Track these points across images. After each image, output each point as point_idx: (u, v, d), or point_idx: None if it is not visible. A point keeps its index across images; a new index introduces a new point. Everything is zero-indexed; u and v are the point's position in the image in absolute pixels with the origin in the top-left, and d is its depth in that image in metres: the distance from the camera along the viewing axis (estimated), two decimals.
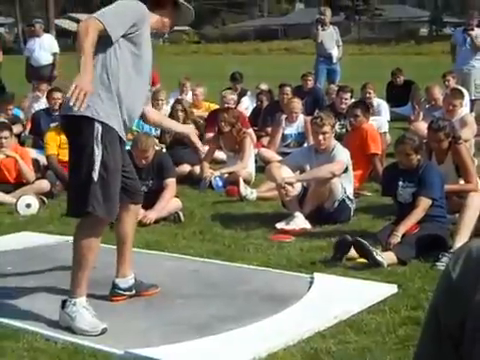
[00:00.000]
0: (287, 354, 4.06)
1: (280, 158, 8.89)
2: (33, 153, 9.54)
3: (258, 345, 4.13)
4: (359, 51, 49.12)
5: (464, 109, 10.47)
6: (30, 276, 5.48)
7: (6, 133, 8.46)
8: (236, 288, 5.24)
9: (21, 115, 12.18)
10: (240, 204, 8.06)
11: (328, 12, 15.51)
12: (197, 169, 9.32)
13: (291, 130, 10.37)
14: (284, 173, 7.19)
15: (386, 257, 5.62)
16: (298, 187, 7.20)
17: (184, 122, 9.79)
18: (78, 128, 4.39)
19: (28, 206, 7.79)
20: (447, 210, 6.30)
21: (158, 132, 10.78)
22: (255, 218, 7.36)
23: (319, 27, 15.16)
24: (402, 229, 5.92)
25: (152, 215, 7.07)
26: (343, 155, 7.21)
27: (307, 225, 6.93)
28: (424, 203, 6.08)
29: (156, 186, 7.31)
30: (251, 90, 14.40)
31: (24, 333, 4.37)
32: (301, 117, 10.41)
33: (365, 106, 9.05)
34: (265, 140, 11.04)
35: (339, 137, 8.60)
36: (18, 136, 10.39)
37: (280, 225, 6.90)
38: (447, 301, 1.68)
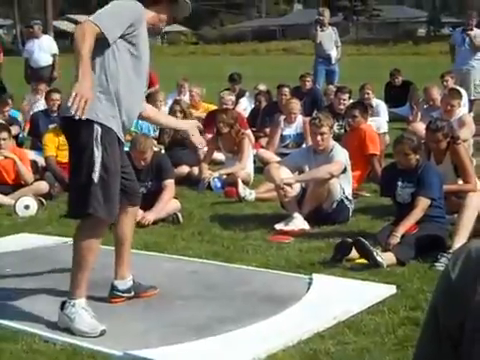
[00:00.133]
0: (286, 355, 4.06)
1: (279, 159, 8.89)
2: (31, 154, 9.54)
3: (257, 346, 4.13)
4: (357, 52, 49.17)
5: (462, 109, 10.48)
6: (29, 278, 5.48)
7: (4, 134, 8.46)
8: (235, 289, 5.24)
9: (20, 117, 12.18)
10: (239, 205, 8.05)
11: (327, 13, 15.51)
12: (196, 170, 9.32)
13: (290, 131, 10.37)
14: (283, 174, 7.19)
15: (385, 258, 5.63)
16: (297, 188, 7.20)
17: None
18: (77, 130, 4.40)
19: (27, 207, 7.78)
20: (446, 210, 6.30)
21: (156, 133, 10.79)
22: (254, 219, 7.36)
23: (318, 28, 15.16)
24: (401, 229, 5.92)
25: (151, 216, 7.07)
26: (342, 156, 7.21)
27: (306, 226, 6.93)
28: (423, 203, 6.08)
29: (155, 187, 7.31)
30: (249, 91, 14.40)
31: (23, 335, 4.36)
32: (299, 118, 10.41)
33: (363, 107, 9.05)
34: (263, 141, 11.04)
35: (337, 138, 8.60)
36: (15, 138, 10.38)
37: (279, 226, 6.89)
38: (446, 302, 1.68)
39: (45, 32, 18.53)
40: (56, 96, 10.38)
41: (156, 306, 4.91)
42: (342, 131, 10.15)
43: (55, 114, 10.12)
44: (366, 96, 11.54)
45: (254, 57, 50.87)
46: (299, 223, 6.92)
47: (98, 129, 4.37)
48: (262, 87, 14.06)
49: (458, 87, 11.77)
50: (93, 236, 4.46)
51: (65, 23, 70.12)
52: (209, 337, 4.27)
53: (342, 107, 10.52)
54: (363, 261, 5.67)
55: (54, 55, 15.14)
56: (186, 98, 13.10)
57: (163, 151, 9.61)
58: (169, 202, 7.34)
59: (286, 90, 12.00)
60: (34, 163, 9.18)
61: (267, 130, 11.27)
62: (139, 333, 4.42)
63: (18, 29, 61.29)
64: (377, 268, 5.54)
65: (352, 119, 8.80)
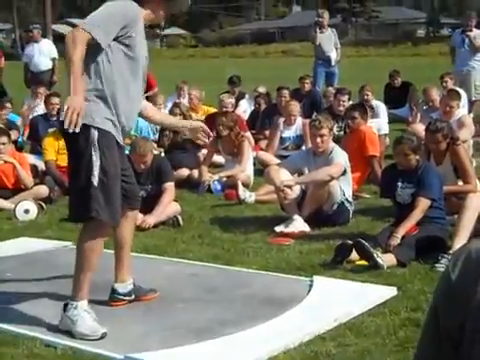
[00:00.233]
0: (287, 357, 4.06)
1: (278, 161, 8.88)
2: (31, 159, 9.54)
3: (258, 349, 4.13)
4: (356, 53, 49.22)
5: (461, 110, 10.48)
6: (29, 282, 5.47)
7: (4, 139, 8.45)
8: (235, 292, 5.23)
9: (19, 121, 12.17)
10: (239, 207, 8.05)
11: (326, 15, 15.51)
12: (196, 173, 9.31)
13: (289, 133, 10.37)
14: (283, 176, 7.19)
15: (386, 259, 5.62)
16: (297, 190, 7.19)
17: None
18: (75, 135, 4.39)
19: (26, 212, 7.78)
20: (446, 211, 6.29)
21: (156, 136, 10.79)
22: (254, 221, 7.35)
23: (317, 30, 15.16)
24: (402, 231, 5.91)
25: (151, 220, 7.06)
26: (341, 157, 7.21)
27: (306, 228, 6.92)
28: (423, 204, 6.07)
29: (155, 190, 7.30)
30: (249, 93, 14.41)
31: (23, 339, 4.36)
32: (299, 120, 10.41)
33: (363, 108, 9.04)
34: (263, 143, 11.04)
35: (337, 139, 8.59)
36: (14, 142, 10.38)
37: (279, 228, 6.89)
38: (447, 302, 1.68)
39: (44, 36, 18.49)
40: (55, 100, 10.37)
41: (156, 309, 4.90)
42: (342, 133, 10.14)
43: (54, 118, 10.12)
44: (366, 97, 11.54)
45: (253, 59, 50.91)
46: (299, 225, 6.91)
47: (95, 133, 4.38)
48: (261, 89, 14.07)
49: (457, 88, 11.77)
50: (96, 239, 4.47)
51: (64, 27, 70.02)
52: (209, 340, 4.26)
53: (341, 109, 10.52)
54: (363, 263, 5.67)
55: (54, 59, 15.12)
56: (185, 101, 13.10)
57: (163, 154, 9.61)
58: (169, 205, 7.33)
59: (285, 92, 12.00)
60: (34, 167, 9.18)
61: (267, 132, 11.28)
62: (139, 336, 4.42)
63: (17, 33, 61.31)
64: (377, 270, 5.53)
65: (352, 121, 8.80)
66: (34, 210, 7.83)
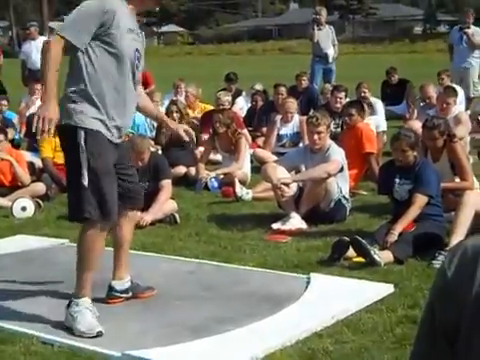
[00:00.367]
0: (284, 355, 4.06)
1: (275, 158, 8.89)
2: (28, 156, 9.53)
3: (255, 346, 4.13)
4: (353, 50, 49.23)
5: (458, 107, 10.48)
6: (26, 279, 5.46)
7: (0, 137, 8.45)
8: (233, 289, 5.23)
9: (15, 119, 12.15)
10: (236, 205, 8.05)
11: (324, 12, 15.51)
12: (193, 170, 9.31)
13: (286, 130, 10.37)
14: (280, 173, 7.19)
15: (383, 256, 5.62)
16: (294, 187, 7.19)
17: (179, 123, 9.77)
18: (64, 136, 4.53)
19: (23, 209, 7.77)
20: (443, 208, 6.29)
21: (153, 134, 10.78)
22: (251, 219, 7.35)
23: (315, 27, 15.16)
24: (399, 227, 5.92)
25: (148, 217, 7.06)
26: (338, 155, 7.20)
27: (303, 225, 6.92)
28: (420, 200, 6.07)
29: (152, 188, 7.29)
30: (246, 90, 14.40)
31: (21, 336, 4.36)
32: (296, 117, 10.41)
33: (360, 105, 9.05)
34: (260, 140, 11.04)
35: (334, 136, 8.60)
36: (11, 140, 10.35)
37: (276, 225, 6.89)
38: (442, 299, 1.68)
39: (41, 33, 18.46)
40: None
41: (154, 307, 4.90)
42: (339, 130, 10.14)
43: None
44: (363, 95, 11.53)
45: (250, 57, 50.91)
46: (296, 222, 6.91)
47: (81, 134, 4.41)
48: (258, 87, 14.06)
49: (454, 85, 11.77)
50: (94, 238, 4.48)
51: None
52: (207, 337, 4.26)
53: (339, 106, 10.51)
54: (361, 260, 5.67)
55: None
56: (182, 98, 13.09)
57: (160, 151, 9.60)
58: (166, 203, 7.33)
59: (282, 89, 12.00)
60: (31, 165, 9.17)
61: (264, 129, 11.28)
62: (137, 334, 4.42)
63: (14, 31, 61.25)
64: (374, 267, 5.53)
65: (349, 118, 8.80)
66: (31, 207, 7.82)
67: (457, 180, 6.86)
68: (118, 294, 4.95)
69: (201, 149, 9.89)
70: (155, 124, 10.71)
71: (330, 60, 15.24)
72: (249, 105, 13.28)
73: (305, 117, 9.06)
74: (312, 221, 6.98)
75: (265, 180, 7.63)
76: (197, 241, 6.66)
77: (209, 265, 5.85)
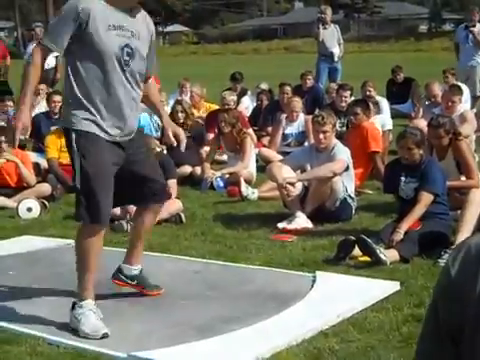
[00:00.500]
0: (290, 354, 4.05)
1: (281, 157, 8.88)
2: (33, 157, 9.54)
3: (261, 345, 4.13)
4: (359, 49, 49.20)
5: (464, 105, 10.47)
6: (32, 280, 5.47)
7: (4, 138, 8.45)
8: (239, 288, 5.23)
9: None
10: (241, 204, 8.05)
11: (329, 11, 15.50)
12: (198, 170, 9.31)
13: (291, 129, 10.37)
14: (285, 173, 7.18)
15: (389, 255, 5.62)
16: (299, 187, 7.19)
17: (184, 123, 9.79)
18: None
19: (29, 210, 7.78)
20: (448, 207, 6.28)
21: (159, 133, 10.78)
22: (257, 218, 7.35)
23: (320, 26, 15.15)
24: (405, 226, 5.91)
25: None
26: (343, 154, 7.20)
27: (309, 224, 6.91)
28: (426, 198, 6.06)
29: None
30: (251, 90, 14.40)
31: (27, 337, 4.36)
32: (301, 116, 10.40)
33: (365, 104, 9.04)
34: (266, 140, 11.04)
35: (340, 135, 8.59)
36: None
37: (282, 225, 6.89)
38: (446, 297, 1.68)
39: None
40: (57, 98, 10.36)
41: (159, 306, 4.90)
42: (344, 129, 10.13)
43: (56, 116, 10.14)
44: (368, 93, 11.52)
45: (255, 56, 50.91)
46: (302, 222, 6.91)
47: (73, 135, 4.44)
48: (264, 86, 14.06)
49: (460, 83, 11.75)
50: (89, 239, 4.49)
51: None
52: (213, 337, 4.26)
53: (344, 105, 10.51)
54: (366, 259, 5.66)
55: (57, 57, 15.10)
56: (188, 98, 13.09)
57: (165, 151, 9.60)
58: (172, 202, 7.32)
59: (288, 89, 12.00)
60: (36, 165, 9.18)
61: (269, 129, 11.27)
62: (142, 334, 4.42)
63: (19, 32, 61.31)
64: (380, 265, 5.53)
65: (354, 117, 8.79)
66: (37, 208, 7.83)
67: (463, 178, 6.85)
68: (123, 278, 4.99)
69: (206, 149, 9.89)
70: (160, 124, 10.71)
71: (335, 59, 15.22)
72: (254, 104, 13.28)
73: (310, 116, 9.06)
74: (318, 220, 6.97)
75: (270, 179, 7.63)
76: (203, 240, 6.66)
77: (215, 264, 5.85)
